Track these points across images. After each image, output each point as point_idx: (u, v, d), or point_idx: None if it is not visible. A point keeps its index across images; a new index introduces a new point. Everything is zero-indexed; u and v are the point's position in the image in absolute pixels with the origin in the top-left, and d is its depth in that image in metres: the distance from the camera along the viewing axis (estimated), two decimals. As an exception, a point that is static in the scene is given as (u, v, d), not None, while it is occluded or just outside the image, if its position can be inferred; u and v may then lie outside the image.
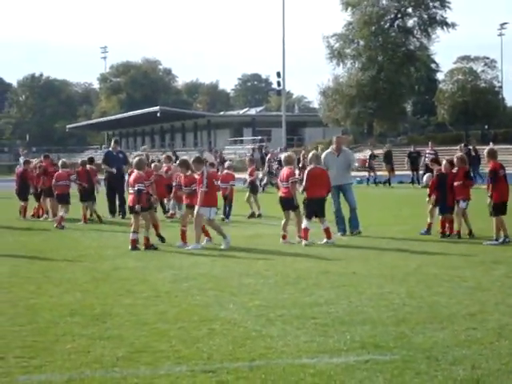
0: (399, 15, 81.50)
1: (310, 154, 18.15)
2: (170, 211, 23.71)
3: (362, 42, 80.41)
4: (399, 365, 7.32)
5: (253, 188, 24.71)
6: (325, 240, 16.92)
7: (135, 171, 16.83)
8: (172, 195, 22.27)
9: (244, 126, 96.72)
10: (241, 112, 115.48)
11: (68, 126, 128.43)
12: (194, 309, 10.06)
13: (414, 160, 42.69)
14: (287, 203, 17.57)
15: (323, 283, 11.82)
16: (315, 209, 17.10)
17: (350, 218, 19.05)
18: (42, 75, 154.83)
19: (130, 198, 16.81)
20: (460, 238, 17.39)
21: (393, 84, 78.53)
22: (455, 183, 17.67)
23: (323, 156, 19.63)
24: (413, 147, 46.52)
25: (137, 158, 17.51)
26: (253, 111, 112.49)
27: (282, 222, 17.44)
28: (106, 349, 8.03)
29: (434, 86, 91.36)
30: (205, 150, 64.62)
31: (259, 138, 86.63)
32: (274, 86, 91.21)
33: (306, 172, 17.66)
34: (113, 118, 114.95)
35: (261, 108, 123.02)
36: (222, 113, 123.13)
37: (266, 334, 8.60)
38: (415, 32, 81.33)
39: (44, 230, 20.60)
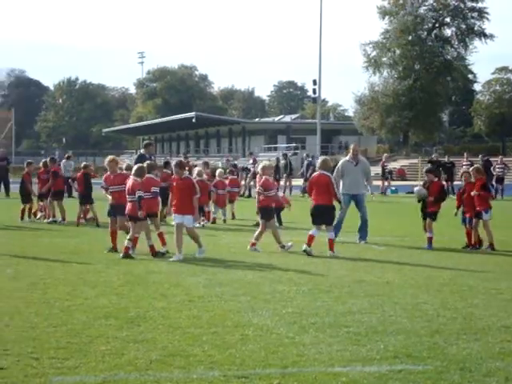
0: (437, 25, 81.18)
1: (319, 160, 17.72)
2: (212, 216, 24.13)
3: (398, 51, 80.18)
4: (432, 375, 7.29)
5: None
6: (329, 252, 16.40)
7: (131, 178, 16.20)
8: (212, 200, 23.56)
9: (279, 133, 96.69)
10: (276, 119, 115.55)
11: (104, 130, 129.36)
12: (227, 314, 10.09)
13: (448, 170, 42.38)
14: (264, 212, 17.31)
15: (357, 292, 11.79)
16: (320, 216, 16.74)
17: (359, 228, 19.11)
18: (77, 79, 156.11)
19: (128, 206, 16.06)
20: (493, 249, 17.29)
21: (429, 94, 78.17)
22: (472, 193, 17.49)
23: (340, 163, 19.64)
24: (447, 157, 46.24)
25: (138, 165, 16.79)
26: (288, 118, 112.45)
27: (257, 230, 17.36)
28: (140, 352, 8.08)
29: (471, 97, 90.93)
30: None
31: (293, 145, 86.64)
32: (310, 93, 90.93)
33: (309, 179, 17.51)
34: (149, 122, 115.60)
35: (296, 115, 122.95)
36: (256, 119, 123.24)
37: (298, 342, 8.60)
38: (452, 42, 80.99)
39: (80, 233, 20.73)
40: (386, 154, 48.25)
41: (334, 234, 18.71)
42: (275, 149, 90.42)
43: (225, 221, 24.75)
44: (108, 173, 17.59)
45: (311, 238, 16.45)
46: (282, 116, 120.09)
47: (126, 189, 16.08)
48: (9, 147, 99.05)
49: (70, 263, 14.73)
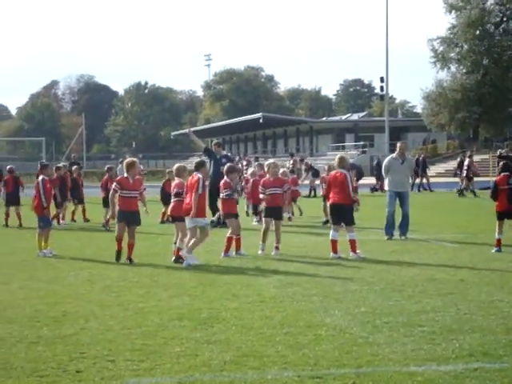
0: (504, 18, 79.85)
1: (336, 158, 16.93)
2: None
3: (466, 46, 79.08)
4: (509, 373, 7.20)
5: None
6: (350, 254, 15.73)
7: (176, 179, 16.33)
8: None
9: (346, 131, 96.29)
10: (343, 117, 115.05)
11: (173, 133, 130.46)
12: (300, 314, 10.08)
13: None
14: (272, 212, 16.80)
15: (430, 291, 11.66)
16: (339, 215, 16.20)
17: (400, 224, 19.13)
18: (146, 83, 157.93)
19: (171, 206, 16.04)
20: None
21: (498, 88, 76.85)
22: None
23: (386, 160, 19.67)
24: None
25: (176, 165, 16.77)
26: (355, 116, 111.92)
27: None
28: (214, 352, 8.12)
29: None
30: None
31: (361, 143, 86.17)
32: (377, 90, 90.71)
33: (327, 177, 17.06)
34: (216, 124, 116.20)
35: (363, 113, 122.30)
36: (324, 118, 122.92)
37: (372, 341, 8.55)
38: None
39: (150, 235, 20.91)
40: (468, 153, 47.47)
41: (389, 232, 18.75)
42: (343, 147, 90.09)
43: (290, 219, 24.70)
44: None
45: (334, 243, 15.90)
46: (349, 114, 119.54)
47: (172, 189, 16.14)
48: (80, 152, 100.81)
49: (142, 266, 14.89)
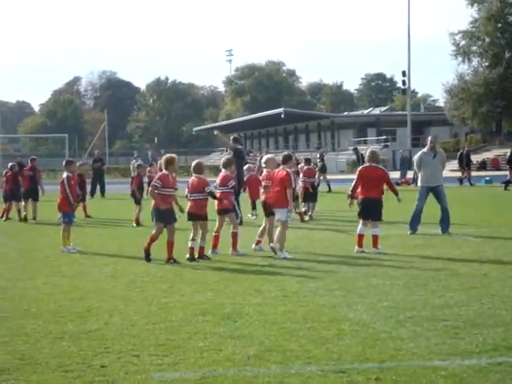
0: (525, 11, 79.27)
1: (368, 152, 16.95)
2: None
3: (487, 39, 78.56)
4: (534, 368, 7.16)
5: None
6: (372, 249, 15.71)
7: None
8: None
9: (368, 126, 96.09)
10: (365, 112, 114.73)
11: (194, 129, 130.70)
12: (322, 309, 10.09)
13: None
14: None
15: (453, 285, 11.63)
16: (368, 211, 16.09)
17: (441, 219, 18.94)
18: (167, 79, 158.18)
19: (192, 205, 15.81)
20: None
21: (521, 81, 76.33)
22: None
23: (418, 155, 19.55)
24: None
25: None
26: (377, 111, 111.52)
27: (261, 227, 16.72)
28: (237, 347, 8.15)
29: None
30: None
31: (383, 137, 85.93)
32: (399, 85, 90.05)
33: (358, 171, 16.74)
34: (238, 120, 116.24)
35: (385, 107, 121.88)
36: (345, 113, 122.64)
37: (395, 336, 8.55)
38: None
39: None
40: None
41: (414, 227, 18.65)
42: (365, 142, 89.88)
43: (306, 212, 24.67)
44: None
45: (361, 238, 15.89)
46: (371, 109, 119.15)
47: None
48: (102, 148, 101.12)
49: (165, 261, 14.90)
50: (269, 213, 16.11)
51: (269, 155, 18.04)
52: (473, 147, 77.83)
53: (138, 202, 23.08)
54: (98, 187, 39.64)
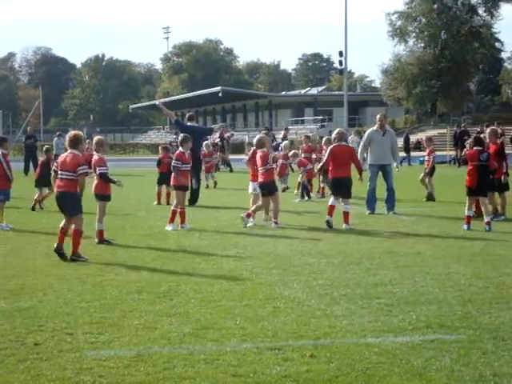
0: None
1: (335, 132, 17.25)
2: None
3: (423, 20, 79.34)
4: (465, 344, 7.30)
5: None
6: (344, 225, 16.15)
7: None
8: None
9: (305, 105, 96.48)
10: (302, 92, 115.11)
11: (131, 107, 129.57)
12: (259, 287, 10.13)
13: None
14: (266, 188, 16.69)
15: (387, 263, 11.78)
16: (340, 190, 16.61)
17: (386, 199, 18.98)
18: (104, 56, 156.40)
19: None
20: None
21: (457, 63, 77.39)
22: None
23: (367, 133, 19.56)
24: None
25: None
26: (314, 91, 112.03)
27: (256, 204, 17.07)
28: (173, 325, 8.14)
29: (499, 65, 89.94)
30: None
31: (320, 117, 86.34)
32: (336, 65, 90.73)
33: (329, 149, 17.05)
34: (175, 98, 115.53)
35: (322, 87, 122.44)
36: (283, 93, 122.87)
37: (330, 313, 8.63)
38: (479, 9, 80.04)
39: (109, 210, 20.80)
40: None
41: (372, 206, 18.73)
42: (302, 122, 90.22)
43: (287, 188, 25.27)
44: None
45: (331, 208, 16.45)
46: (308, 89, 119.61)
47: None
48: (37, 125, 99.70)
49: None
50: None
51: (262, 135, 18.55)
52: (408, 128, 78.74)
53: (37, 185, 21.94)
54: (31, 164, 39.05)
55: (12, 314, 8.76)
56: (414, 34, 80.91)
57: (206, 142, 30.26)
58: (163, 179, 21.99)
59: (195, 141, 20.29)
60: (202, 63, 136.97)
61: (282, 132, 43.63)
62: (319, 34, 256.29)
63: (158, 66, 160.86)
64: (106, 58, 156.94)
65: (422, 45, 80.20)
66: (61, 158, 13.17)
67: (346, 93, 73.61)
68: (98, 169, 14.50)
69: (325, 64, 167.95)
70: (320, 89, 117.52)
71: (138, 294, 9.70)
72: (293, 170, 26.13)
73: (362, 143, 19.71)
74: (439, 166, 38.61)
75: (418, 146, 64.95)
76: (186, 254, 13.04)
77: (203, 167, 26.97)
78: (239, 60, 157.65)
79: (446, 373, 6.52)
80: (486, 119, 65.86)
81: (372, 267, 11.46)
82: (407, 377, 6.44)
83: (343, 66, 73.77)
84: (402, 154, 49.13)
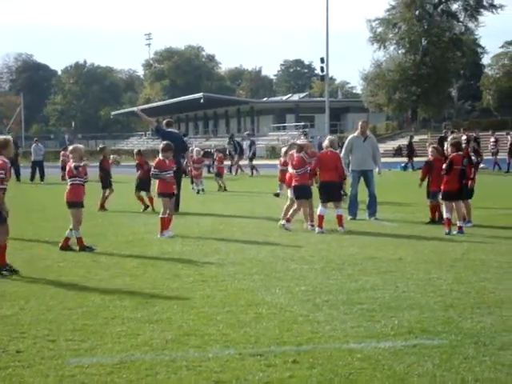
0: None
1: (326, 141, 17.63)
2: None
3: (404, 27, 79.64)
4: (447, 349, 7.32)
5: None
6: (339, 228, 16.48)
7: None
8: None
9: (287, 112, 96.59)
10: (284, 98, 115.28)
11: (113, 113, 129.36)
12: (241, 293, 10.13)
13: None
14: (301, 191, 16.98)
15: (369, 269, 11.81)
16: (328, 194, 16.89)
17: (368, 204, 19.11)
18: (85, 62, 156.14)
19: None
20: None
21: (438, 69, 77.70)
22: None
23: (348, 139, 19.75)
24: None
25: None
26: (296, 97, 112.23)
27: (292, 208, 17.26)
28: (155, 332, 8.13)
29: (479, 71, 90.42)
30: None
31: (302, 124, 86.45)
32: (317, 71, 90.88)
33: (317, 156, 17.54)
34: (157, 104, 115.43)
35: (304, 94, 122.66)
36: (265, 99, 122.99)
37: (312, 319, 8.64)
38: (460, 16, 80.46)
39: (93, 216, 20.76)
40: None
41: (353, 212, 18.80)
42: (284, 128, 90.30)
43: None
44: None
45: (321, 218, 16.53)
46: (290, 95, 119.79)
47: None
48: (19, 131, 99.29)
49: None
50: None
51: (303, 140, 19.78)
52: (389, 134, 79.01)
53: None
54: (13, 171, 38.87)
55: (-7, 321, 8.71)
56: (394, 41, 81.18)
57: (196, 148, 30.41)
58: (142, 185, 22.03)
59: (176, 147, 20.23)
60: (184, 69, 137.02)
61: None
62: (301, 40, 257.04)
63: (140, 72, 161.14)
64: (87, 64, 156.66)
65: (403, 51, 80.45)
66: None
67: (328, 99, 73.82)
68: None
69: (306, 70, 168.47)
70: (302, 95, 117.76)
71: (120, 301, 9.68)
72: None
73: (343, 149, 19.78)
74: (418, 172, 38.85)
75: (399, 151, 65.26)
76: (169, 260, 13.02)
77: (193, 173, 27.20)
78: (221, 66, 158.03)
79: (428, 378, 6.55)
80: (465, 125, 66.14)
81: (354, 273, 11.49)
82: (390, 382, 6.46)
83: (325, 73, 73.98)
84: (405, 159, 49.57)
